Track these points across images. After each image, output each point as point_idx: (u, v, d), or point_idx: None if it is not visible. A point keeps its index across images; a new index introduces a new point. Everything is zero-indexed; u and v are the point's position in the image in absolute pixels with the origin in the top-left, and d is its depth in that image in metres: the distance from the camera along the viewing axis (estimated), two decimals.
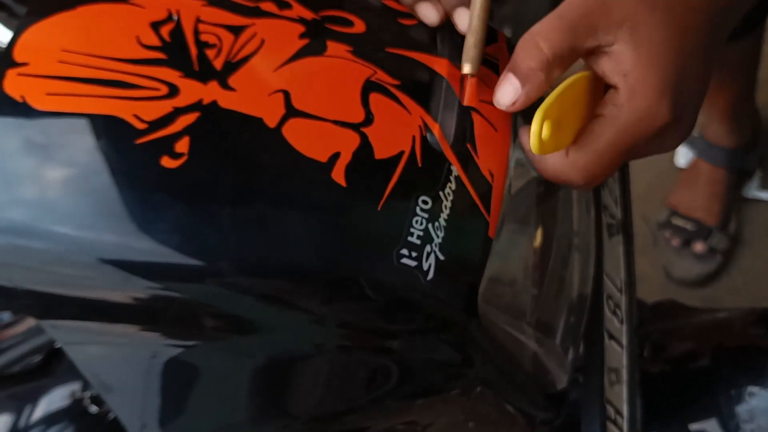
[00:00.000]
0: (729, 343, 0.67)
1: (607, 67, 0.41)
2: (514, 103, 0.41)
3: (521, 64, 0.41)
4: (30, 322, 0.60)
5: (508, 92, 0.41)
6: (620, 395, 0.54)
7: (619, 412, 0.53)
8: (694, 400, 0.67)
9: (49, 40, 0.41)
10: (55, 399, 0.61)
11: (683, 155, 1.41)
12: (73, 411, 0.60)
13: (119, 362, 0.42)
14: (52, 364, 0.62)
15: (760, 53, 1.20)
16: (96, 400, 0.59)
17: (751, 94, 1.29)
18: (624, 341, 0.56)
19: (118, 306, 0.39)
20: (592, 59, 0.42)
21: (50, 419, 0.61)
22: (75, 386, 0.61)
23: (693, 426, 0.66)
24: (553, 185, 0.52)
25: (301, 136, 0.39)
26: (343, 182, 0.39)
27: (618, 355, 0.55)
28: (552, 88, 0.41)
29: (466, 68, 0.44)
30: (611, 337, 0.54)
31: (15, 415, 0.62)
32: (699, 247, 1.33)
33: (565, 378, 0.49)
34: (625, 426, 0.52)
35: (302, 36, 0.43)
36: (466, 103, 0.44)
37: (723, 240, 1.33)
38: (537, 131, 0.40)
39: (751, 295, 1.34)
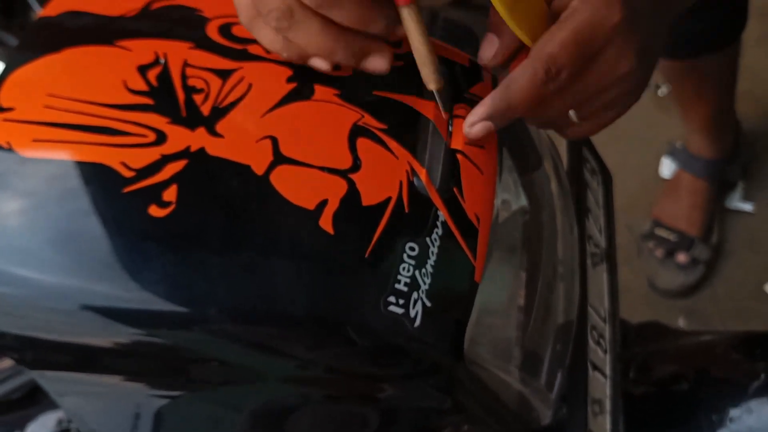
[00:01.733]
0: (711, 367, 0.68)
1: None
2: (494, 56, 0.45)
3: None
4: None
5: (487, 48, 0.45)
6: (604, 426, 0.54)
7: None
8: (676, 423, 0.68)
9: (34, 84, 0.41)
10: (41, 427, 0.61)
11: (667, 166, 1.43)
12: None
13: (106, 411, 0.42)
14: (39, 393, 0.62)
15: (737, 67, 1.22)
16: None
17: (730, 106, 1.30)
18: (608, 371, 0.56)
19: (104, 355, 0.39)
20: None
21: None
22: (61, 414, 0.61)
23: None
24: (538, 215, 0.53)
25: (288, 184, 0.40)
26: (330, 230, 0.39)
27: (602, 385, 0.55)
28: None
29: (431, 86, 0.44)
30: (595, 368, 0.55)
31: None
32: (682, 257, 1.35)
33: (549, 414, 0.50)
34: None
35: (290, 80, 0.43)
36: (452, 145, 0.44)
37: (705, 251, 1.35)
38: None
39: (733, 305, 1.36)
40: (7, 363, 0.59)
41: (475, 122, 0.44)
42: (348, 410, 0.43)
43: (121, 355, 0.39)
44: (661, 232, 1.36)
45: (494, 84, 0.50)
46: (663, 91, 1.51)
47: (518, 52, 0.45)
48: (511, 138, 0.53)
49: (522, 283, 0.48)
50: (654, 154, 1.46)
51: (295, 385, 0.41)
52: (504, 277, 0.47)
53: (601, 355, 0.56)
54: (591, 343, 0.55)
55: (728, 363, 0.67)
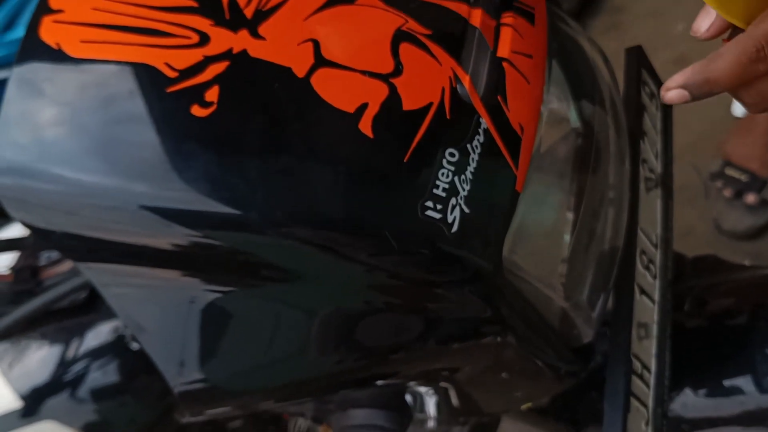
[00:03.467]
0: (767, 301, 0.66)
1: None
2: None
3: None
4: None
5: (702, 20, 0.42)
6: (649, 350, 0.54)
7: (646, 367, 0.53)
8: (729, 357, 0.66)
9: None
10: (99, 334, 0.64)
11: (739, 105, 1.37)
12: (116, 346, 0.63)
13: (155, 305, 0.44)
14: (98, 301, 0.65)
15: None
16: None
17: None
18: (656, 296, 0.55)
19: (160, 251, 0.41)
20: None
21: (95, 353, 0.64)
22: (118, 322, 0.64)
23: (727, 382, 0.65)
24: (590, 137, 0.52)
25: (329, 87, 0.39)
26: (370, 133, 0.39)
27: (649, 310, 0.55)
28: None
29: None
30: (642, 292, 0.54)
31: (63, 347, 0.65)
32: (751, 198, 1.30)
33: (591, 332, 0.49)
34: (651, 381, 0.52)
35: None
36: (498, 53, 0.43)
37: None
38: None
39: None
40: (65, 266, 0.62)
41: (670, 87, 0.41)
42: (390, 308, 0.44)
43: (174, 253, 0.41)
44: (732, 172, 1.31)
45: None
46: None
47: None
48: (565, 54, 0.52)
49: (568, 198, 0.47)
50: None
51: (338, 284, 0.42)
52: (550, 191, 0.47)
53: (650, 280, 0.55)
54: (640, 267, 0.54)
55: None
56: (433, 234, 0.39)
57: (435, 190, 0.39)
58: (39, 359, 0.64)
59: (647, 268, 0.55)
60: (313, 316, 0.44)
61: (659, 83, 0.65)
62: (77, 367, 0.64)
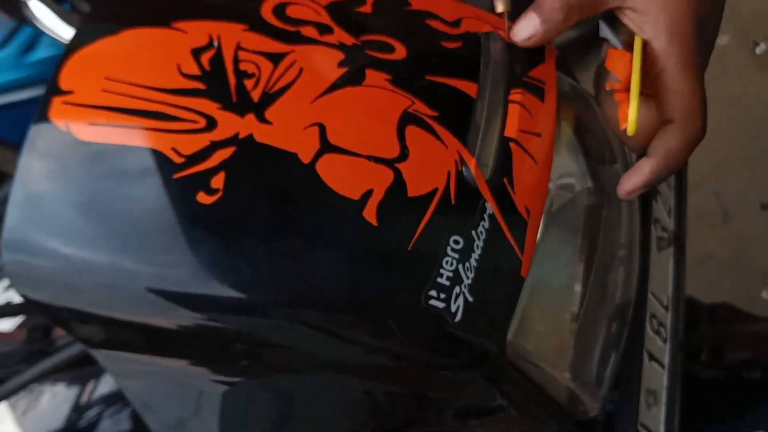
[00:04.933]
0: None
1: (637, 21, 0.44)
2: (529, 39, 0.44)
3: (545, 3, 0.43)
4: None
5: (526, 28, 0.44)
6: (657, 417, 0.53)
7: None
8: (744, 411, 0.66)
9: (93, 67, 0.42)
10: (111, 381, 0.65)
11: None
12: None
13: (163, 391, 0.44)
14: None
15: None
16: None
17: None
18: (666, 361, 0.55)
19: (166, 338, 0.41)
20: (621, 15, 0.44)
21: (107, 400, 0.64)
22: None
23: None
24: (600, 200, 0.51)
25: (334, 173, 0.40)
26: (374, 221, 0.39)
27: (658, 375, 0.54)
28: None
29: (499, 6, 0.45)
30: (652, 357, 0.54)
31: (77, 394, 0.66)
32: None
33: (597, 406, 0.49)
34: None
35: (341, 64, 0.43)
36: (506, 133, 0.43)
37: None
38: (635, 114, 0.42)
39: None
40: None
41: (633, 192, 0.45)
42: (389, 391, 0.44)
43: (182, 337, 0.41)
44: None
45: (558, 65, 0.48)
46: (762, 48, 1.42)
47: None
48: (577, 120, 0.51)
49: (572, 276, 0.46)
50: (748, 115, 1.39)
51: (340, 374, 0.42)
52: (554, 268, 0.46)
53: (660, 344, 0.55)
54: (649, 331, 0.54)
55: None
56: (435, 323, 0.38)
57: (439, 279, 0.39)
58: (53, 406, 0.65)
59: (657, 332, 0.55)
60: (321, 398, 0.44)
61: None
62: (90, 414, 0.65)
